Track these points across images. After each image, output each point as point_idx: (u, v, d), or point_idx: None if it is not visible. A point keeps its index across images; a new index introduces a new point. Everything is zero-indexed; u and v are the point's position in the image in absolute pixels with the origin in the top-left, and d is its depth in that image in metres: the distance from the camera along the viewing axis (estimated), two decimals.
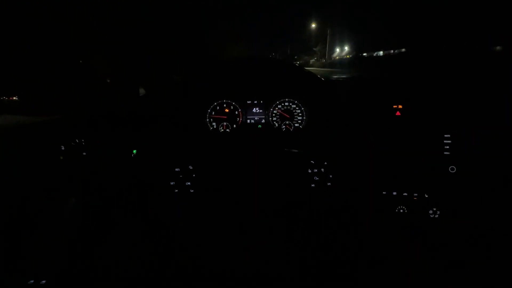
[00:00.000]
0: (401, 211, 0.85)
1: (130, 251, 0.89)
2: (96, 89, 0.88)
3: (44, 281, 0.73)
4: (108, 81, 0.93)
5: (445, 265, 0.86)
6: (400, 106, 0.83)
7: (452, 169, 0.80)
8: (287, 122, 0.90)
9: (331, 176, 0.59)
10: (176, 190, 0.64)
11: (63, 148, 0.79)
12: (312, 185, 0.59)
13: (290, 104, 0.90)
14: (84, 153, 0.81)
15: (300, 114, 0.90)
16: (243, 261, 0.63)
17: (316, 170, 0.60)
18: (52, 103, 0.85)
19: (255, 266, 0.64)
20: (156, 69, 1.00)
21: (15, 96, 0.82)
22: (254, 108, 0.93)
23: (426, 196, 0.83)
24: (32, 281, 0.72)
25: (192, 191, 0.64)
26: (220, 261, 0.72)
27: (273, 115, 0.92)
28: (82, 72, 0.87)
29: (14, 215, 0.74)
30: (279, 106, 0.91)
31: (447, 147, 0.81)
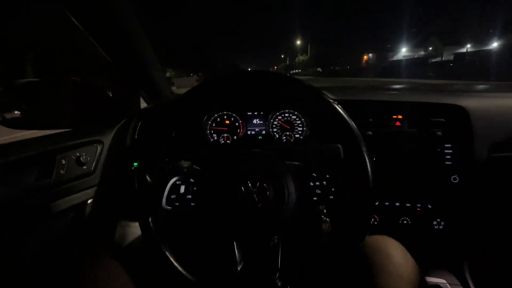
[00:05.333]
0: (405, 222, 0.84)
1: (129, 264, 0.87)
2: (97, 100, 0.88)
3: None
4: (110, 93, 0.93)
5: (449, 276, 0.84)
6: (400, 116, 0.84)
7: (455, 179, 0.80)
8: (287, 133, 0.91)
9: (333, 189, 0.58)
10: (177, 204, 0.63)
11: (63, 162, 0.78)
12: (314, 198, 0.59)
13: (290, 115, 0.91)
14: (85, 167, 0.81)
15: (300, 125, 0.90)
16: (241, 275, 0.62)
17: (318, 183, 0.59)
18: (53, 117, 0.85)
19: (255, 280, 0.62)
20: (157, 81, 1.01)
21: (16, 110, 0.82)
22: (255, 120, 0.93)
23: (430, 206, 0.83)
24: None
25: (193, 204, 0.63)
26: (219, 276, 0.70)
27: (274, 126, 0.92)
28: (83, 84, 0.87)
29: (12, 228, 0.73)
30: (279, 117, 0.92)
31: (449, 156, 0.81)
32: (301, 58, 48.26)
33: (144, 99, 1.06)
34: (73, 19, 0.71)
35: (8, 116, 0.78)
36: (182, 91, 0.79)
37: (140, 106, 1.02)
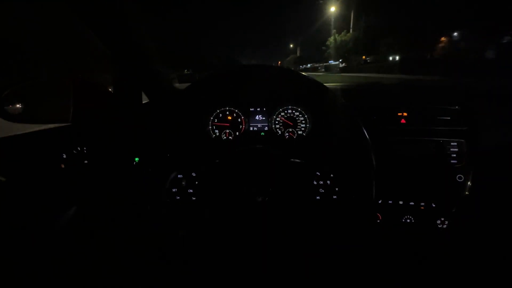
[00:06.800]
0: (408, 221, 0.83)
1: (131, 260, 0.87)
2: (98, 96, 0.87)
3: None
4: (110, 88, 0.93)
5: (453, 277, 0.83)
6: (405, 114, 0.83)
7: (460, 178, 0.79)
8: (290, 130, 0.90)
9: (337, 189, 0.57)
10: (178, 197, 0.63)
11: (64, 156, 0.78)
12: (317, 197, 0.58)
13: (293, 111, 0.90)
14: (86, 161, 0.81)
15: (303, 122, 0.89)
16: (244, 273, 0.62)
17: (321, 182, 0.58)
18: (55, 111, 0.85)
19: (257, 277, 0.62)
20: (159, 76, 1.00)
21: (18, 104, 0.81)
22: (257, 116, 0.92)
23: (434, 205, 0.82)
24: None
25: (194, 198, 0.63)
26: (221, 272, 0.70)
27: (276, 122, 0.91)
28: (84, 79, 0.87)
29: (13, 223, 0.73)
30: (282, 114, 0.91)
31: (454, 155, 0.79)
32: (338, 38, 25.66)
33: (146, 94, 1.05)
34: (76, 15, 0.70)
35: (10, 110, 0.77)
36: (184, 86, 0.79)
37: (142, 101, 1.01)
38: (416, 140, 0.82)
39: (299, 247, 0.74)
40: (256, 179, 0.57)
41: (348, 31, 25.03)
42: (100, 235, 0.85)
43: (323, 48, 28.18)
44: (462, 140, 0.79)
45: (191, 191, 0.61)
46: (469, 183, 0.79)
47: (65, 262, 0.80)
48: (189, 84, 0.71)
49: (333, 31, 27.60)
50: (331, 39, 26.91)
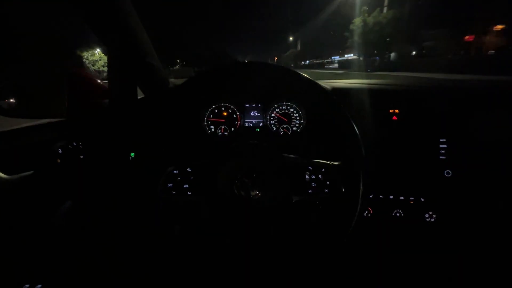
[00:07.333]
0: (397, 214, 0.86)
1: (127, 255, 0.89)
2: (93, 91, 0.87)
3: (40, 285, 0.73)
4: (106, 83, 0.93)
5: (441, 269, 0.86)
6: (396, 111, 0.84)
7: (448, 173, 0.81)
8: (284, 126, 0.91)
9: (328, 183, 0.59)
10: (174, 192, 0.64)
11: (60, 151, 0.78)
12: (309, 191, 0.60)
13: (288, 107, 0.91)
14: (82, 156, 0.81)
15: (297, 118, 0.91)
16: (239, 267, 0.63)
17: (313, 177, 0.60)
18: (50, 106, 0.85)
19: (252, 271, 0.64)
20: (154, 71, 1.00)
21: (12, 99, 0.81)
22: (252, 112, 0.93)
23: (422, 200, 0.84)
24: (27, 285, 0.72)
25: (190, 193, 0.64)
26: (217, 265, 0.72)
27: (271, 118, 0.92)
28: (80, 73, 0.87)
29: (9, 218, 0.73)
30: (277, 110, 0.92)
31: (443, 151, 0.82)
32: (369, 20, 15.70)
33: (141, 89, 1.05)
34: (72, 8, 0.70)
35: (4, 105, 0.77)
36: (180, 81, 0.79)
37: (137, 96, 1.01)
38: (406, 136, 0.84)
39: (291, 240, 0.76)
40: (250, 174, 0.58)
41: (382, 10, 16.04)
42: (96, 230, 0.86)
43: (346, 34, 19.08)
44: (451, 137, 0.81)
45: (186, 186, 0.62)
46: (456, 178, 0.82)
47: (61, 256, 0.81)
48: (183, 79, 0.72)
49: (363, 8, 17.32)
50: (358, 20, 17.33)
